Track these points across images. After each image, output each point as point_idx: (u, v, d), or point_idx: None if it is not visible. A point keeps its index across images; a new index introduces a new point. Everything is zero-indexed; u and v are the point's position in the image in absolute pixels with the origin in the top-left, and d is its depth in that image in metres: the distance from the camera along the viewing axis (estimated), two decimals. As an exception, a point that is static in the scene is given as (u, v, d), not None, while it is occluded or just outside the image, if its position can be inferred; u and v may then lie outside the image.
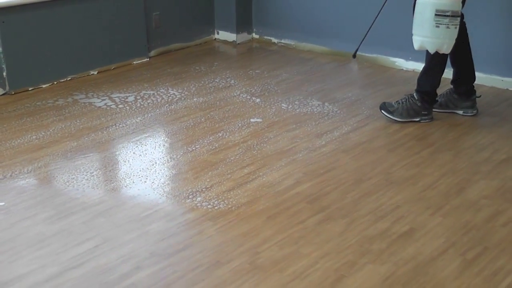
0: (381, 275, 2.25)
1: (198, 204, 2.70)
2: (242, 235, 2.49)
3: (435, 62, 3.41)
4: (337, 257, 2.35)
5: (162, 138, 3.36)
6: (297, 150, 3.22)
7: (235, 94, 3.98)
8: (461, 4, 3.15)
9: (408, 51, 4.39)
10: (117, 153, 3.19)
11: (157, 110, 3.71)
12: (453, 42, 3.19)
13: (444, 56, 3.34)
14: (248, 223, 2.57)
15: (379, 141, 3.33)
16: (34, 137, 3.35)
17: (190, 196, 2.76)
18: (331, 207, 2.69)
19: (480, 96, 3.61)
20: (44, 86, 4.03)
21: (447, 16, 3.11)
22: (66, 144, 3.27)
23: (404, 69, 4.44)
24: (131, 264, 2.29)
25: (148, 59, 4.58)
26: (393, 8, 4.22)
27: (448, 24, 3.13)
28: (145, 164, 3.06)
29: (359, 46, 4.20)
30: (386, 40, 4.49)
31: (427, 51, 3.32)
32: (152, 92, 3.98)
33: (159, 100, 3.85)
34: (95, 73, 4.27)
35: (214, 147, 3.24)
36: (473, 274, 2.26)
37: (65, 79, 4.13)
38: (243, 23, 5.09)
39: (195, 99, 3.89)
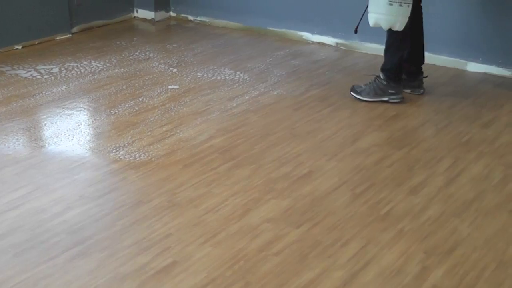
0: (283, 208, 2.59)
1: (121, 157, 2.96)
2: (161, 180, 2.78)
3: (392, 40, 3.52)
4: (245, 195, 2.68)
5: (86, 103, 3.59)
6: (211, 111, 3.52)
7: (154, 65, 4.24)
8: None
9: (313, 25, 4.77)
10: (44, 116, 3.40)
11: (81, 79, 3.93)
12: (406, 20, 3.32)
13: (401, 34, 3.43)
14: (166, 171, 2.86)
15: (285, 102, 3.68)
16: (-38, 104, 3.51)
17: (114, 151, 3.02)
18: (240, 156, 3.02)
19: (427, 76, 3.72)
20: (-32, 60, 4.16)
21: None
22: (-6, 110, 3.45)
23: (311, 41, 4.80)
24: (62, 205, 2.54)
25: (70, 35, 4.76)
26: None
27: (401, 2, 3.26)
28: (71, 125, 3.29)
29: (359, 22, 4.31)
30: (294, 15, 4.84)
31: (387, 31, 3.47)
32: (75, 64, 4.18)
33: (82, 71, 4.06)
34: (20, 47, 4.43)
35: (135, 110, 3.50)
36: (360, 203, 2.64)
37: (-10, 53, 4.27)
38: (161, 2, 5.32)
39: (116, 70, 4.12)
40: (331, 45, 4.70)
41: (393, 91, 3.56)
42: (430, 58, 4.03)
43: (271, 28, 4.96)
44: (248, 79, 4.02)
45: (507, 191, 2.73)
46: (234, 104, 3.62)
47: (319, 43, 4.76)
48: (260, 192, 2.70)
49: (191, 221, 2.47)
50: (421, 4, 3.63)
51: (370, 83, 3.61)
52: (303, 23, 4.82)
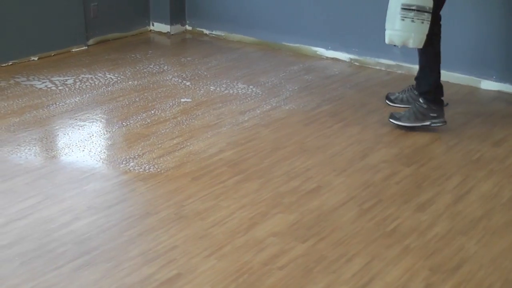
0: (289, 222, 2.60)
1: (131, 168, 3.00)
2: (169, 192, 2.80)
3: (424, 61, 3.49)
4: (252, 208, 2.69)
5: (99, 115, 3.63)
6: (222, 124, 3.55)
7: (167, 78, 4.28)
8: (430, 1, 3.21)
9: (327, 41, 4.79)
10: (57, 127, 3.45)
11: (95, 91, 3.98)
12: (421, 37, 3.23)
13: (430, 52, 3.40)
14: (175, 183, 2.88)
15: (296, 117, 3.69)
16: (-23, 114, 3.57)
17: (124, 162, 3.06)
18: (249, 170, 3.04)
19: (447, 104, 3.61)
20: (-14, 70, 4.23)
21: (412, 10, 3.18)
22: (9, 119, 3.50)
23: (325, 57, 4.83)
24: (71, 215, 2.57)
25: (86, 47, 4.82)
26: (318, 1, 4.62)
27: (413, 18, 3.19)
28: (83, 136, 3.33)
29: None
30: (309, 31, 4.87)
31: (418, 51, 3.44)
32: (90, 76, 4.24)
33: (96, 83, 4.11)
34: (36, 59, 4.50)
35: (146, 122, 3.54)
36: (367, 219, 2.64)
37: (6, 64, 4.34)
38: (176, 15, 5.38)
39: (130, 82, 4.17)
40: (345, 61, 4.72)
41: (435, 114, 3.42)
42: (444, 75, 4.00)
43: (285, 43, 4.99)
44: (260, 93, 4.05)
45: (516, 210, 2.72)
46: (246, 118, 3.64)
47: (333, 58, 4.78)
48: (267, 206, 2.72)
49: (198, 234, 2.49)
50: (441, 23, 3.52)
51: (409, 108, 3.51)
52: (317, 39, 4.85)
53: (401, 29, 3.25)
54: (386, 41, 3.35)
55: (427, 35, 3.26)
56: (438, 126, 3.45)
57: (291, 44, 4.97)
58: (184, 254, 2.35)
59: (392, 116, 3.54)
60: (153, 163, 3.06)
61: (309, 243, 2.45)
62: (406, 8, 3.20)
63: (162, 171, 2.98)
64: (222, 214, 2.64)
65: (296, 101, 3.93)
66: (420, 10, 3.19)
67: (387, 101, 3.86)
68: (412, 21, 3.22)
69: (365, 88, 4.21)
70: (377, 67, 4.58)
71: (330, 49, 4.81)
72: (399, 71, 4.50)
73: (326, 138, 3.40)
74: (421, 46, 3.30)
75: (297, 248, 2.41)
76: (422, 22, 3.23)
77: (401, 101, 3.77)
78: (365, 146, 3.33)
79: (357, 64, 4.67)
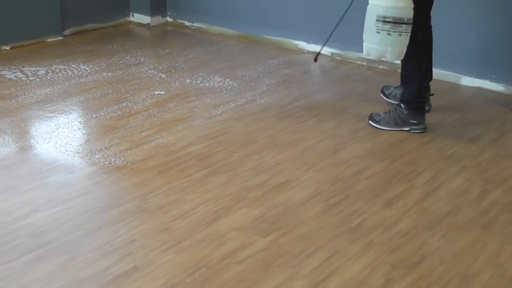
0: (253, 216, 2.62)
1: (96, 161, 3.01)
2: (133, 185, 2.82)
3: (406, 70, 3.44)
4: (216, 202, 2.71)
5: (69, 106, 3.64)
6: (194, 118, 3.57)
7: (143, 70, 4.29)
8: (409, 12, 3.10)
9: (309, 34, 4.81)
10: (24, 118, 3.45)
11: (67, 82, 3.99)
12: (399, 50, 3.15)
13: (414, 63, 3.35)
14: (140, 176, 2.90)
15: (271, 111, 3.71)
16: None
17: (90, 154, 3.07)
18: (217, 164, 3.05)
19: (433, 94, 3.60)
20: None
21: (388, 22, 3.08)
22: (-25, 110, 3.51)
23: (306, 51, 4.84)
24: (29, 208, 2.58)
25: (62, 38, 4.83)
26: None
27: (389, 31, 3.09)
28: (50, 128, 3.34)
29: (321, 49, 4.30)
30: (290, 24, 4.88)
31: (401, 62, 3.39)
32: (63, 67, 4.25)
33: (69, 74, 4.12)
34: (8, 48, 4.50)
35: (117, 114, 3.55)
36: (332, 215, 2.66)
37: (-23, 54, 4.35)
38: (157, 7, 5.39)
39: (104, 74, 4.18)
40: (326, 55, 4.74)
41: (415, 121, 3.41)
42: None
43: (267, 36, 5.01)
44: (236, 87, 4.07)
45: (483, 206, 2.74)
46: (219, 112, 3.66)
47: (314, 52, 4.79)
48: (232, 200, 2.73)
49: (158, 227, 2.51)
50: (431, 23, 3.46)
51: (390, 111, 3.48)
52: (299, 32, 4.87)
53: (377, 42, 3.16)
54: (364, 53, 3.28)
55: (410, 46, 3.17)
56: (418, 132, 3.43)
57: (272, 38, 4.99)
58: (143, 248, 2.37)
59: (371, 118, 3.54)
60: (120, 155, 3.07)
61: (270, 238, 2.46)
62: (381, 20, 3.10)
63: (128, 164, 3.00)
64: (185, 208, 2.65)
65: (272, 95, 3.94)
66: (397, 22, 3.08)
67: (381, 95, 3.83)
68: (388, 33, 3.11)
69: (345, 83, 4.23)
70: (359, 62, 4.60)
71: (311, 43, 4.82)
72: (381, 66, 4.52)
73: (299, 133, 3.42)
74: (401, 59, 3.25)
75: (258, 243, 2.43)
76: (400, 35, 3.11)
77: (394, 97, 3.71)
78: (338, 141, 3.35)
79: (338, 58, 4.69)
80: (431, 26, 3.49)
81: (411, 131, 3.44)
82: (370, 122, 3.53)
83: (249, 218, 2.60)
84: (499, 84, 4.11)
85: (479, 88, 4.14)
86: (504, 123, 3.64)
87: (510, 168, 3.11)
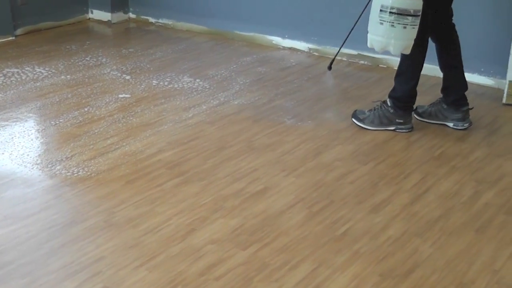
0: (230, 227, 2.62)
1: (57, 172, 2.99)
2: (99, 198, 2.80)
3: (405, 65, 3.42)
4: (190, 214, 2.71)
5: (24, 113, 3.61)
6: (163, 122, 3.56)
7: (105, 72, 4.27)
8: (416, 3, 3.10)
9: (284, 29, 4.83)
10: (-24, 128, 3.42)
11: (21, 87, 3.96)
12: (404, 43, 3.15)
13: (415, 59, 3.34)
14: (106, 188, 2.88)
15: (246, 113, 3.72)
16: None
17: (50, 165, 3.05)
18: (190, 171, 3.05)
19: (472, 108, 3.53)
20: None
21: (393, 13, 3.08)
22: None
23: (281, 47, 4.86)
24: (-17, 226, 2.56)
25: (13, 38, 4.79)
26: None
27: (393, 22, 3.08)
28: (4, 137, 3.31)
29: (335, 57, 4.30)
30: (264, 18, 4.90)
31: (400, 55, 3.36)
32: (16, 70, 4.21)
33: (23, 78, 4.09)
34: (-47, 51, 4.46)
35: (78, 121, 3.53)
36: (316, 223, 2.67)
37: None
38: (119, 2, 5.38)
39: (62, 77, 4.15)
40: (303, 51, 4.77)
41: (401, 120, 3.44)
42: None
43: (238, 32, 5.02)
44: (208, 87, 4.07)
45: (476, 209, 2.78)
46: (190, 115, 3.66)
47: (290, 48, 4.82)
48: (207, 210, 2.74)
49: (128, 243, 2.50)
50: (454, 22, 3.47)
51: (375, 109, 3.50)
52: (273, 27, 4.89)
53: (380, 34, 3.17)
54: (368, 45, 3.29)
55: (415, 40, 3.18)
56: (404, 132, 3.46)
57: (244, 33, 5.00)
58: (112, 266, 2.36)
59: (355, 115, 3.56)
60: (83, 165, 3.05)
61: (250, 250, 2.47)
62: (385, 11, 3.11)
63: (93, 175, 2.98)
64: (156, 221, 2.65)
65: (246, 96, 3.95)
66: (402, 13, 3.08)
67: (414, 115, 3.60)
68: (392, 25, 3.11)
69: (324, 80, 4.26)
70: (338, 57, 4.62)
71: (287, 38, 4.85)
72: (362, 62, 4.56)
73: (277, 135, 3.44)
74: (406, 53, 3.24)
75: (237, 256, 2.43)
76: (405, 27, 3.11)
77: (429, 116, 3.59)
78: (319, 144, 3.37)
79: (316, 54, 4.72)
80: (453, 25, 3.46)
81: (397, 130, 3.47)
82: (353, 119, 3.54)
83: (227, 229, 2.60)
84: (488, 78, 4.17)
85: (467, 82, 4.18)
86: (495, 119, 3.70)
87: (503, 167, 3.15)
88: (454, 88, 3.54)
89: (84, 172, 3.00)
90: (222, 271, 2.35)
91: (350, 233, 2.60)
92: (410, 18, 3.10)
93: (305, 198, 2.86)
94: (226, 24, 5.05)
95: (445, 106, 3.55)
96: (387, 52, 4.03)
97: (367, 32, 3.28)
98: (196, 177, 3.00)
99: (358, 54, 4.55)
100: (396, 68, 4.22)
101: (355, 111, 3.59)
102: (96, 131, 3.42)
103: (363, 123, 3.51)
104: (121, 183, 2.93)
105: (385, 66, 4.48)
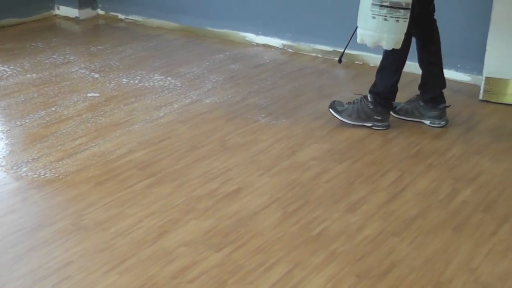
0: (203, 229, 2.62)
1: (23, 174, 2.96)
2: (67, 200, 2.78)
3: (388, 61, 3.43)
4: (162, 215, 2.70)
5: (-11, 114, 3.58)
6: (134, 122, 3.55)
7: (73, 70, 4.24)
8: None
9: (257, 25, 4.83)
10: None
11: (-16, 87, 3.92)
12: (396, 37, 3.17)
13: (400, 54, 3.35)
14: (75, 190, 2.86)
15: (219, 112, 3.72)
16: None
17: (15, 167, 3.02)
18: (161, 172, 3.04)
19: (449, 105, 3.57)
20: None
21: (385, 6, 3.09)
22: None
23: (255, 43, 4.87)
24: None
25: (-25, 36, 4.74)
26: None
27: (386, 16, 3.09)
28: (-32, 139, 3.28)
29: (344, 50, 4.29)
30: (237, 14, 4.90)
31: (384, 50, 3.35)
32: (-21, 69, 4.17)
33: (-13, 77, 4.05)
34: None
35: (45, 121, 3.50)
36: (291, 223, 2.68)
37: None
38: (86, -2, 5.34)
39: (28, 76, 4.11)
40: (277, 47, 4.77)
41: (379, 118, 3.46)
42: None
43: (211, 29, 5.02)
44: (179, 85, 4.06)
45: (453, 207, 2.81)
46: (161, 114, 3.65)
47: (263, 45, 4.83)
48: (180, 212, 2.73)
49: (98, 246, 2.48)
50: (435, 17, 3.51)
51: (354, 103, 3.51)
52: (246, 23, 4.89)
53: (372, 28, 3.17)
54: (358, 40, 3.29)
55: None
56: (381, 130, 3.48)
57: (217, 30, 5.00)
58: (81, 270, 2.34)
59: (333, 106, 3.55)
60: (51, 167, 3.03)
61: (224, 252, 2.47)
62: (377, 4, 3.11)
63: (61, 176, 2.96)
64: (127, 223, 2.63)
65: (219, 94, 3.95)
66: (394, 6, 3.09)
67: (391, 112, 3.61)
68: (385, 19, 3.12)
69: (298, 77, 4.27)
70: (313, 54, 4.65)
71: (260, 35, 4.85)
72: (337, 58, 4.56)
73: (251, 134, 3.44)
74: (398, 47, 3.23)
75: (211, 258, 2.43)
76: (397, 21, 3.12)
77: (406, 113, 3.61)
78: (294, 142, 3.37)
79: (290, 50, 4.73)
80: (434, 21, 3.49)
81: (374, 127, 3.49)
82: (330, 110, 3.54)
83: (200, 231, 2.60)
84: (464, 74, 4.21)
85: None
86: (472, 116, 3.74)
87: (480, 164, 3.19)
88: (432, 85, 3.57)
89: (52, 174, 2.97)
90: (195, 274, 2.35)
91: (326, 233, 2.61)
92: (402, 11, 3.12)
93: (280, 198, 2.86)
94: (198, 20, 5.04)
95: (421, 104, 3.57)
96: (363, 49, 4.09)
97: (356, 27, 3.28)
98: (168, 178, 2.99)
99: (334, 50, 4.56)
100: (372, 65, 4.31)
101: (334, 101, 3.57)
102: (64, 131, 3.39)
103: (341, 115, 3.51)
104: (90, 184, 2.91)
105: (360, 63, 4.49)
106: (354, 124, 3.50)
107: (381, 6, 3.11)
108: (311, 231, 2.63)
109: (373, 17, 3.14)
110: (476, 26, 4.11)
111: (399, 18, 3.13)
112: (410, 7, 3.15)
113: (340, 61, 3.59)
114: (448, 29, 4.07)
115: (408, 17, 3.16)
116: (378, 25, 3.15)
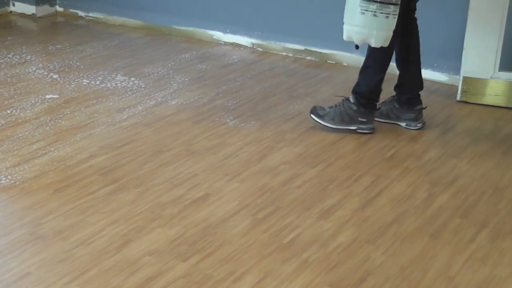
0: (169, 237, 2.61)
1: (-23, 181, 2.93)
2: (24, 209, 2.76)
3: (372, 60, 3.43)
4: (126, 223, 2.69)
5: None
6: (95, 125, 3.53)
7: (30, 71, 4.21)
8: None
9: (225, 23, 4.84)
10: None
11: None
12: (385, 34, 3.17)
13: (385, 53, 3.37)
14: (32, 197, 2.84)
15: (185, 114, 3.71)
16: None
17: (-33, 174, 2.99)
18: (125, 178, 3.03)
19: (426, 107, 3.60)
20: None
21: (375, 2, 3.09)
22: None
23: (223, 42, 4.87)
24: None
25: None
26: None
27: (375, 12, 3.09)
28: None
29: None
30: (204, 12, 4.90)
31: (368, 45, 3.34)
32: None
33: None
34: None
35: (0, 124, 3.47)
36: (261, 231, 2.69)
37: None
38: (44, -6, 5.30)
39: (-18, 77, 4.08)
40: (246, 46, 4.78)
41: (364, 120, 3.47)
42: (360, 62, 4.09)
43: (176, 27, 5.01)
44: (143, 86, 4.05)
45: (431, 213, 2.84)
46: (124, 117, 3.64)
47: (232, 43, 4.84)
48: (144, 219, 2.72)
49: (57, 257, 2.47)
50: (415, 16, 3.53)
51: (336, 106, 3.50)
52: (214, 21, 4.89)
53: (361, 24, 3.16)
54: (344, 37, 3.28)
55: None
56: (366, 133, 3.49)
57: (183, 28, 4.99)
58: (39, 282, 2.33)
59: (314, 111, 3.54)
60: (6, 173, 3.01)
61: (191, 262, 2.47)
62: (367, 0, 3.11)
63: (17, 183, 2.94)
64: (88, 232, 2.62)
65: (185, 95, 3.95)
66: (384, 2, 3.10)
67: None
68: (374, 15, 3.12)
69: (268, 77, 4.28)
70: (284, 53, 4.67)
71: (228, 33, 4.86)
72: (309, 57, 4.60)
73: (219, 138, 3.44)
74: (386, 45, 3.24)
75: (177, 268, 2.43)
76: (387, 17, 3.13)
77: (381, 115, 3.61)
78: (264, 146, 3.39)
79: (260, 49, 4.75)
80: (415, 19, 3.52)
81: (358, 130, 3.49)
82: (312, 116, 3.53)
83: (165, 239, 2.60)
84: (441, 74, 4.26)
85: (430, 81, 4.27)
86: (449, 117, 3.78)
87: (457, 167, 3.23)
88: (409, 86, 3.60)
89: (8, 181, 2.95)
90: (160, 284, 2.35)
91: (298, 241, 2.62)
92: (392, 6, 3.13)
93: (249, 204, 2.87)
94: (163, 18, 5.03)
95: (397, 106, 3.60)
96: (336, 47, 4.12)
97: (343, 23, 3.27)
98: (131, 184, 2.98)
99: (305, 49, 4.59)
100: (345, 64, 4.34)
101: (314, 107, 3.57)
102: (20, 135, 3.37)
103: (323, 120, 3.51)
104: (49, 191, 2.89)
105: (333, 62, 4.52)
106: (338, 128, 3.50)
107: (371, 1, 3.11)
108: (283, 238, 2.64)
109: (362, 13, 3.13)
110: (453, 23, 4.16)
111: (389, 14, 3.14)
112: (399, 3, 3.17)
113: (357, 47, 3.45)
114: (424, 26, 4.11)
115: (397, 13, 3.18)
116: (367, 21, 3.15)
